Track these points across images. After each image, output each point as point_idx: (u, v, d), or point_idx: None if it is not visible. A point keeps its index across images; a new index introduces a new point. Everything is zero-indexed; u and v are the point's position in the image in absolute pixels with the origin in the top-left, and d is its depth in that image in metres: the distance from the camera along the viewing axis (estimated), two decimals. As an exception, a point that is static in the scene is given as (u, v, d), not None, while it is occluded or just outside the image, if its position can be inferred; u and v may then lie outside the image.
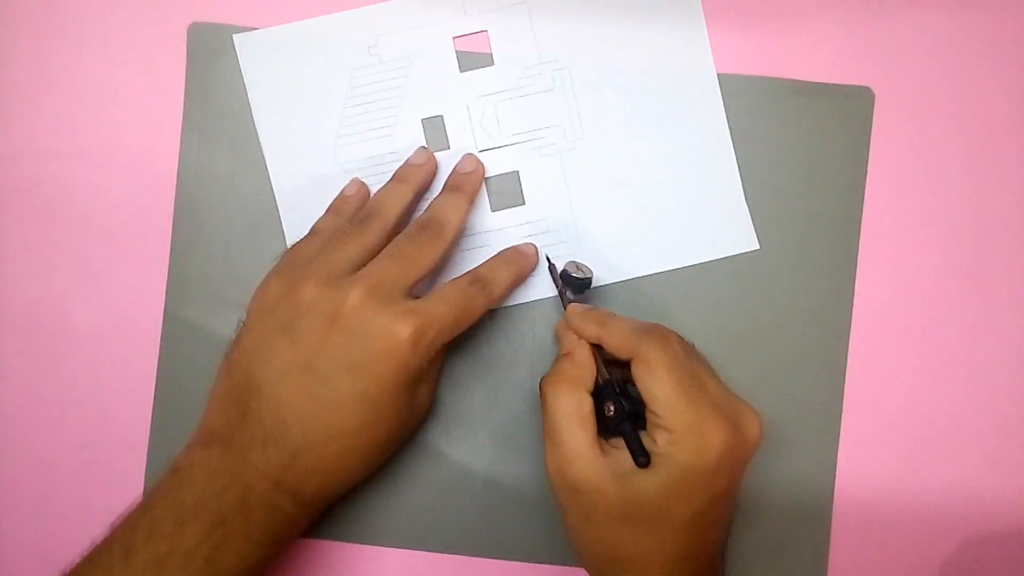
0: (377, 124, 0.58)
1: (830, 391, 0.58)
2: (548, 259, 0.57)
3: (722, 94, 0.58)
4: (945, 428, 0.58)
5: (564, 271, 0.55)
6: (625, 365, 0.50)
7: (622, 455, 0.48)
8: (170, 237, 0.59)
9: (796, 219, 0.58)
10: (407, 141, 0.58)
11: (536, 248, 0.57)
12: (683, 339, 0.51)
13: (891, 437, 0.58)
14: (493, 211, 0.58)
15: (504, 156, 0.58)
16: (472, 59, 0.58)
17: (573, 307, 0.54)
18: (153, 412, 0.58)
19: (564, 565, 0.58)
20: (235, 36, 0.58)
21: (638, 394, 0.49)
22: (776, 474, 0.58)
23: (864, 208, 0.58)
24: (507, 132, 0.58)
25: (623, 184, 0.58)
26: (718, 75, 0.58)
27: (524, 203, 0.58)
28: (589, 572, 0.52)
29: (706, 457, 0.46)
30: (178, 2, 0.59)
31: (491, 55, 0.58)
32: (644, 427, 0.49)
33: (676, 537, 0.48)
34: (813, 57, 0.59)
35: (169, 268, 0.58)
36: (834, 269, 0.58)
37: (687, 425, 0.47)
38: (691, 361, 0.49)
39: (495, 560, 0.58)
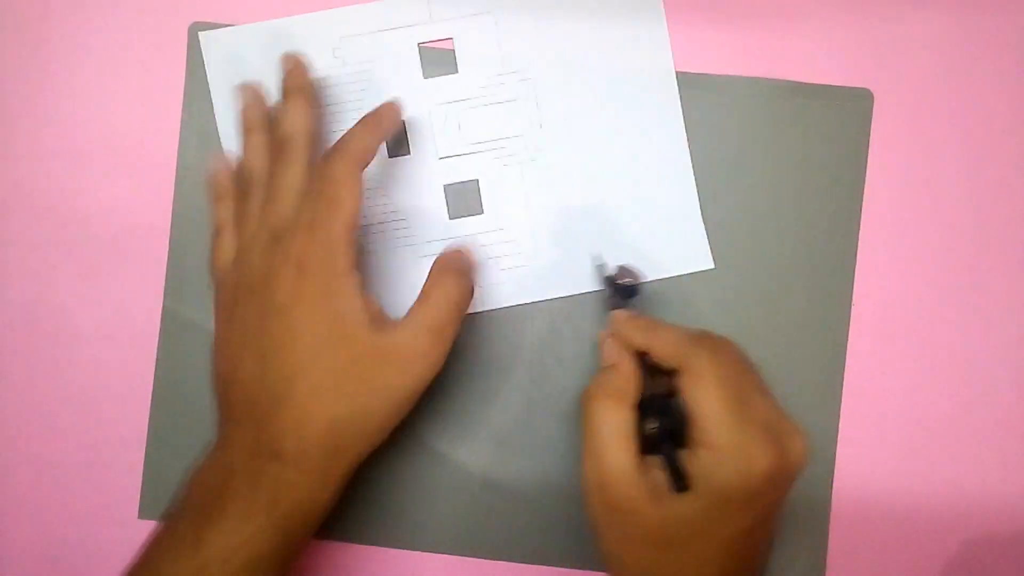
0: (340, 127, 0.58)
1: (829, 391, 0.58)
2: (596, 261, 0.56)
3: (720, 95, 0.58)
4: (944, 428, 0.58)
5: (612, 276, 0.54)
6: (668, 374, 0.48)
7: (660, 475, 0.46)
8: (169, 237, 0.59)
9: (795, 220, 0.58)
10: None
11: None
12: (738, 348, 0.49)
13: (889, 437, 0.58)
14: (451, 218, 0.58)
15: (465, 164, 0.58)
16: (436, 66, 0.58)
17: (619, 314, 0.52)
18: (151, 411, 0.58)
19: (562, 567, 0.58)
20: (200, 33, 0.58)
21: (679, 409, 0.47)
22: None
23: (863, 209, 0.58)
24: (468, 140, 0.58)
25: (583, 197, 0.58)
26: (717, 76, 0.58)
27: (483, 212, 0.58)
28: None
29: (749, 479, 0.44)
30: (179, 2, 0.59)
31: (456, 62, 0.58)
32: (683, 444, 0.47)
33: (715, 562, 0.46)
34: (812, 58, 0.59)
35: (168, 267, 0.58)
36: (833, 270, 0.58)
37: (732, 444, 0.44)
38: (742, 375, 0.47)
39: (493, 561, 0.58)
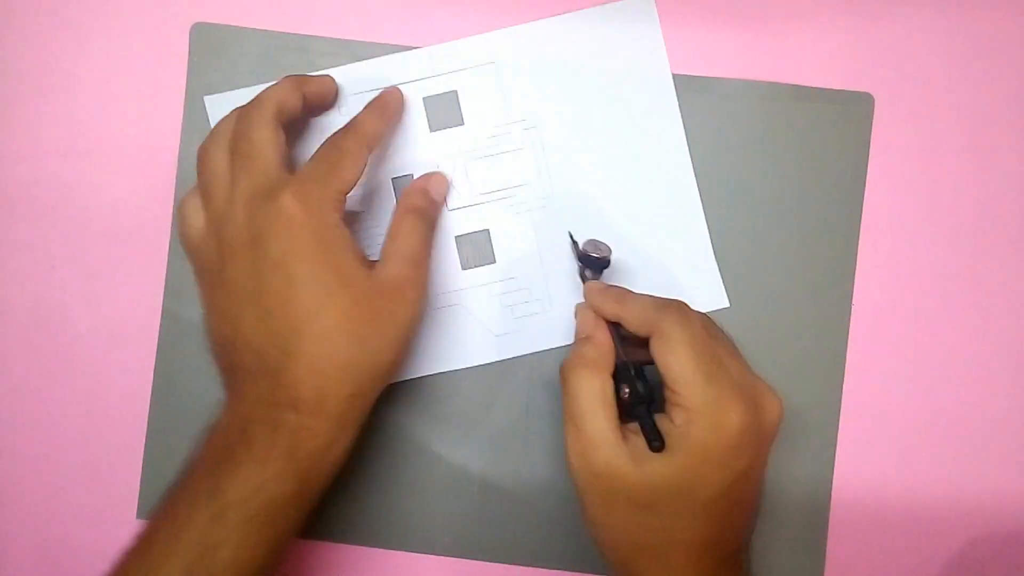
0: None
1: (829, 392, 0.58)
2: (571, 235, 0.56)
3: (720, 98, 0.58)
4: (944, 428, 0.58)
5: (583, 251, 0.54)
6: (642, 345, 0.49)
7: (640, 440, 0.48)
8: (169, 237, 0.59)
9: (795, 223, 0.58)
10: (378, 200, 0.58)
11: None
12: (705, 316, 0.51)
13: (889, 437, 0.58)
14: (463, 269, 0.58)
15: (474, 214, 0.58)
16: (442, 118, 0.58)
17: (591, 285, 0.53)
18: (150, 411, 0.59)
19: (561, 568, 0.58)
20: (206, 98, 0.59)
21: (653, 377, 0.49)
22: (774, 474, 0.58)
23: (863, 212, 0.58)
24: (477, 191, 0.58)
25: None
26: (718, 79, 0.58)
27: (495, 261, 0.58)
28: (608, 562, 0.51)
29: (724, 435, 0.46)
30: (180, 2, 0.59)
31: (461, 115, 0.58)
32: (659, 410, 0.49)
33: (697, 522, 0.48)
34: (813, 62, 0.59)
35: (168, 267, 0.59)
36: (833, 272, 0.58)
37: (705, 402, 0.46)
38: (712, 339, 0.49)
39: (490, 563, 0.58)
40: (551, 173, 0.58)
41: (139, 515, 0.59)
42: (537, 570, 0.58)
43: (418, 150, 0.58)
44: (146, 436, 0.59)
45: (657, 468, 0.47)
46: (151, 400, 0.59)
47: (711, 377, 0.47)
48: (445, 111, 0.58)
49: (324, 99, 0.57)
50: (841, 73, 0.59)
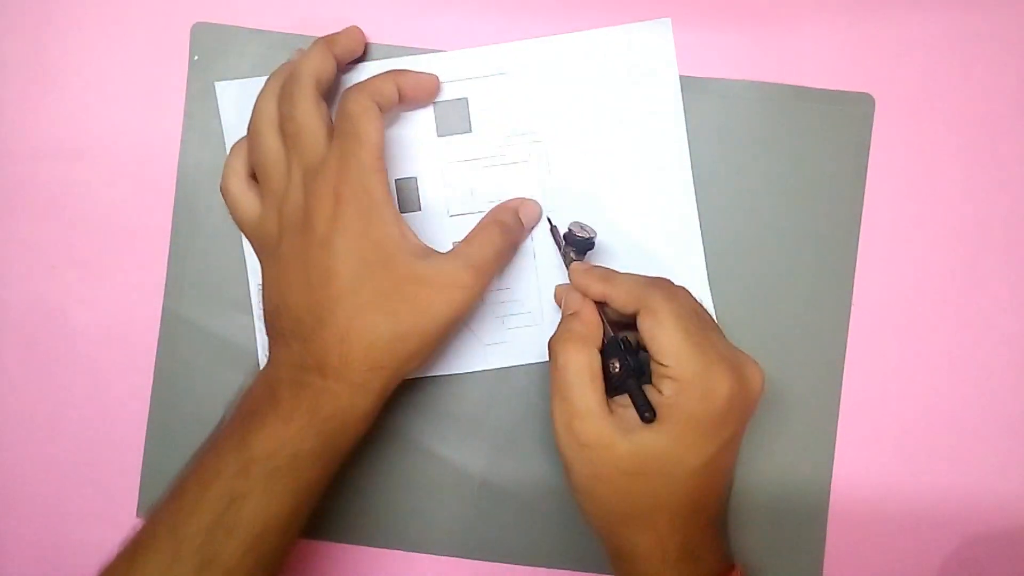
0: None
1: (828, 390, 0.59)
2: (549, 220, 0.57)
3: (720, 97, 0.58)
4: (942, 428, 0.59)
5: (568, 231, 0.55)
6: (628, 325, 0.51)
7: (628, 412, 0.49)
8: (169, 237, 0.59)
9: (795, 223, 0.59)
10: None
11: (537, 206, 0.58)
12: (690, 293, 0.52)
13: (888, 436, 0.59)
14: (462, 275, 0.58)
15: (475, 222, 0.57)
16: (450, 125, 0.58)
17: (577, 265, 0.54)
18: (150, 411, 0.59)
19: (560, 568, 0.59)
20: (216, 84, 0.58)
21: (641, 352, 0.50)
22: (772, 473, 0.58)
23: (863, 212, 0.58)
24: (480, 199, 0.58)
25: (591, 258, 0.57)
26: (717, 78, 0.58)
27: None
28: (595, 530, 0.53)
29: (713, 404, 0.47)
30: (180, 2, 0.59)
31: (469, 122, 0.58)
32: (647, 383, 0.50)
33: (685, 488, 0.49)
34: (814, 63, 0.59)
35: (168, 267, 0.59)
36: (833, 273, 0.59)
37: (694, 373, 0.47)
38: (697, 313, 0.50)
39: (490, 563, 0.59)
40: (554, 187, 0.58)
41: (139, 514, 0.59)
42: (537, 570, 0.59)
43: (424, 154, 0.58)
44: (146, 436, 0.59)
45: (647, 438, 0.48)
46: (151, 400, 0.59)
47: (700, 348, 0.48)
48: (454, 117, 0.58)
49: (355, 53, 0.57)
50: (841, 73, 0.59)
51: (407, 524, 0.59)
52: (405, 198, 0.58)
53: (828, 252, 0.59)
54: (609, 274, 0.52)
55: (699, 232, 0.58)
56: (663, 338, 0.48)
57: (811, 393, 0.59)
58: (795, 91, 0.58)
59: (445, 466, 0.59)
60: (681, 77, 0.58)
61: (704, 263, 0.58)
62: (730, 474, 0.54)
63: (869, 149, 0.59)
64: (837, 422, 0.59)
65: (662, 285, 0.51)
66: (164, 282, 0.59)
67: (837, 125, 0.59)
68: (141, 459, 0.59)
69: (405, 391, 0.58)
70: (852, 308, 0.59)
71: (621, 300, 0.50)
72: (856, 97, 0.59)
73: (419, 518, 0.59)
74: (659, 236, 0.58)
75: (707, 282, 0.58)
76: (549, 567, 0.59)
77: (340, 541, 0.59)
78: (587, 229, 0.55)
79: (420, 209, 0.58)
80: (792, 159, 0.59)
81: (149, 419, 0.59)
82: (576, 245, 0.55)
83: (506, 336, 0.58)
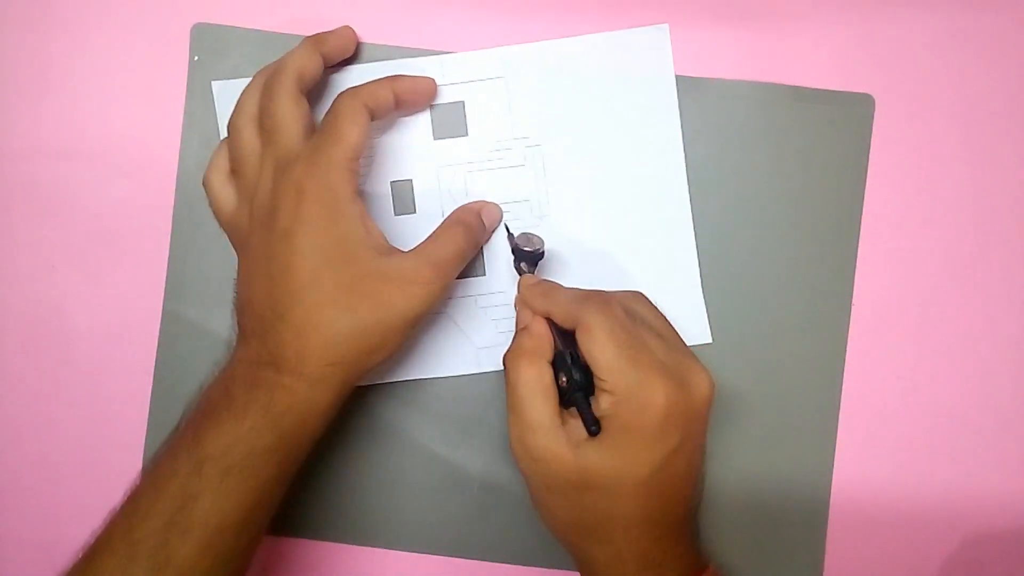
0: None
1: (828, 392, 0.59)
2: (507, 227, 0.57)
3: (720, 98, 0.58)
4: (943, 428, 0.59)
5: (516, 244, 0.55)
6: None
7: (579, 424, 0.49)
8: (169, 237, 0.59)
9: (795, 224, 0.59)
10: (374, 200, 0.58)
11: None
12: (631, 298, 0.53)
13: (888, 437, 0.59)
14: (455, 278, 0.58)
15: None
16: (446, 128, 0.58)
17: (525, 279, 0.54)
18: (151, 411, 0.59)
19: (559, 568, 0.59)
20: (213, 83, 0.59)
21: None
22: (773, 474, 0.58)
23: (863, 213, 0.58)
24: (474, 202, 0.58)
25: (584, 265, 0.58)
26: (716, 79, 0.58)
27: (485, 274, 0.58)
28: (558, 540, 0.53)
29: (650, 415, 0.47)
30: (180, 2, 0.59)
31: (465, 126, 0.58)
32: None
33: (635, 501, 0.49)
34: (813, 63, 0.59)
35: (168, 267, 0.59)
36: (833, 273, 0.59)
37: (626, 386, 0.47)
38: (634, 323, 0.50)
39: (490, 563, 0.59)
40: (549, 192, 0.58)
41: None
42: (536, 570, 0.59)
43: (420, 157, 0.58)
44: (146, 436, 0.59)
45: (591, 451, 0.48)
46: (151, 400, 0.59)
47: (633, 361, 0.48)
48: (450, 120, 0.58)
49: (345, 53, 0.57)
50: (841, 74, 0.59)
51: (406, 524, 0.59)
52: (400, 200, 0.58)
53: (828, 252, 0.59)
54: (550, 289, 0.53)
55: (693, 236, 0.58)
56: (596, 352, 0.48)
57: (811, 393, 0.58)
58: (795, 91, 0.58)
59: (444, 466, 0.59)
60: (680, 77, 0.58)
61: (697, 267, 0.58)
62: (691, 480, 0.52)
63: (869, 149, 0.59)
64: (837, 422, 0.58)
65: (596, 299, 0.50)
66: (164, 282, 0.59)
67: (837, 125, 0.58)
68: (141, 459, 0.59)
69: (405, 391, 0.58)
70: (852, 308, 0.58)
71: (560, 316, 0.51)
72: (856, 97, 0.59)
73: (418, 518, 0.59)
74: (653, 241, 0.58)
75: (700, 286, 0.58)
76: (548, 567, 0.59)
77: (340, 541, 0.59)
78: (534, 241, 0.55)
79: (415, 212, 0.58)
80: (792, 160, 0.58)
81: (149, 419, 0.59)
82: (522, 258, 0.55)
83: (498, 339, 0.58)
